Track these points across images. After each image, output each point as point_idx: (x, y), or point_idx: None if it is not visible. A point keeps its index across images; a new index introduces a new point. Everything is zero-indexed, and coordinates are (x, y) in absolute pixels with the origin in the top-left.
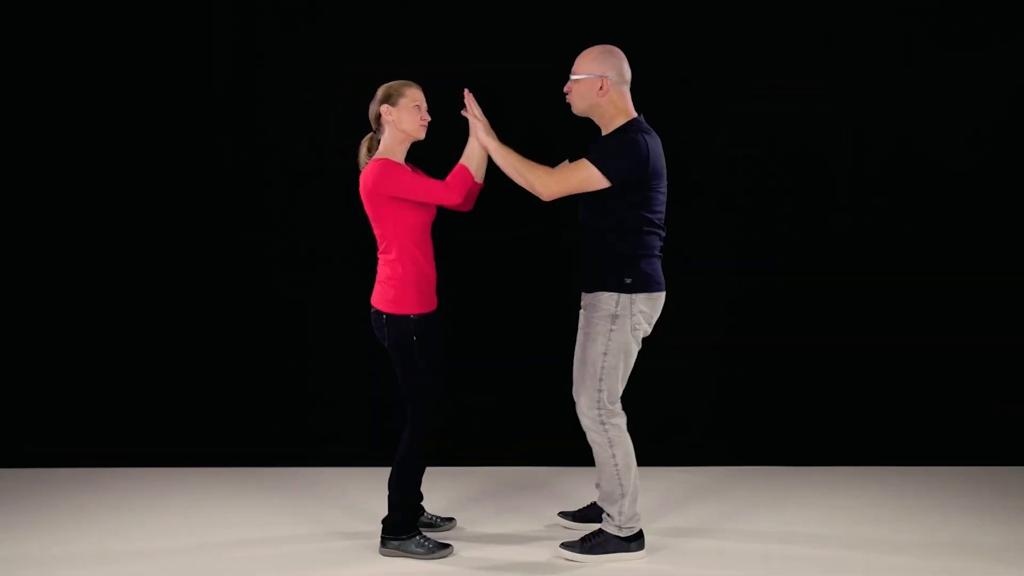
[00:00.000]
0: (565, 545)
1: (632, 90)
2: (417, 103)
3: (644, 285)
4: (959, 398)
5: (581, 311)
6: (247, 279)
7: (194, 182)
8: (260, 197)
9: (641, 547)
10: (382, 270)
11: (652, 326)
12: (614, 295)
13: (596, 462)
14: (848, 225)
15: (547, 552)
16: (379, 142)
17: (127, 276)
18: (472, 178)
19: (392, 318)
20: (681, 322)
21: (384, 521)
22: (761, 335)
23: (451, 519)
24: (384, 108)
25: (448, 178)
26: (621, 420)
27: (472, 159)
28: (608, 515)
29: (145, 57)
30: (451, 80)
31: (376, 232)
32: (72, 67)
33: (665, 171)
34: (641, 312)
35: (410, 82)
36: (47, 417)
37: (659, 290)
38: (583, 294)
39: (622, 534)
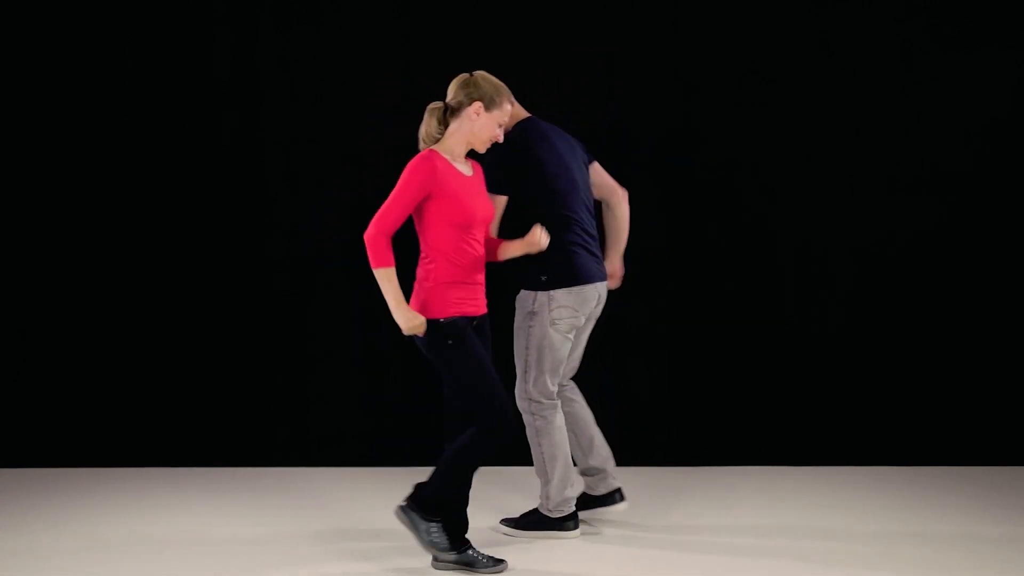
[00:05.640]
0: (505, 521)
1: (635, 93)
2: (503, 122)
3: (562, 280)
4: (959, 398)
5: None
6: (247, 280)
7: (195, 183)
8: (261, 199)
9: (575, 527)
10: (417, 272)
11: (587, 317)
12: (531, 293)
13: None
14: (849, 226)
15: (546, 553)
16: (446, 126)
17: (128, 277)
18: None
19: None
20: (683, 322)
21: (416, 487)
22: (762, 336)
23: (502, 561)
24: (477, 106)
25: (370, 245)
26: (551, 412)
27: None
28: (540, 496)
29: (146, 58)
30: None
31: (417, 231)
32: (72, 69)
33: (570, 164)
34: (563, 307)
35: (509, 93)
36: (47, 417)
37: (581, 283)
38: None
39: (552, 516)
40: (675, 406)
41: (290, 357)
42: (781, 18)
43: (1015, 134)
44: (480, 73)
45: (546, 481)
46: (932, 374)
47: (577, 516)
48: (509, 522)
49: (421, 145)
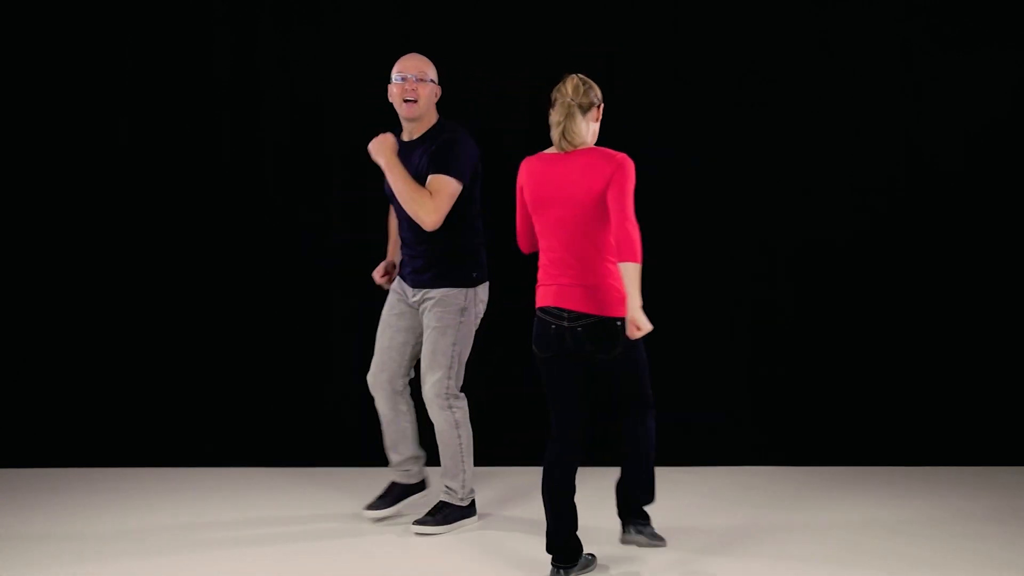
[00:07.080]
0: (419, 522)
1: (634, 93)
2: None
3: (482, 276)
4: (959, 398)
5: (398, 300)
6: (246, 280)
7: (194, 183)
8: (260, 199)
9: (474, 512)
10: (597, 274)
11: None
12: (463, 290)
13: (440, 442)
14: (849, 226)
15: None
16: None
17: (127, 278)
18: (632, 262)
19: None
20: (681, 321)
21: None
22: (762, 336)
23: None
24: (602, 108)
25: (636, 239)
26: (464, 403)
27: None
28: (451, 489)
29: (146, 58)
30: (451, 83)
31: (585, 230)
32: (72, 69)
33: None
34: (482, 301)
35: None
36: (47, 417)
37: (487, 279)
38: (424, 290)
39: (464, 504)
40: (674, 406)
41: (290, 357)
42: (781, 18)
43: (1015, 134)
44: (596, 84)
45: (463, 470)
46: (932, 374)
47: (475, 502)
48: (423, 522)
49: (570, 142)
